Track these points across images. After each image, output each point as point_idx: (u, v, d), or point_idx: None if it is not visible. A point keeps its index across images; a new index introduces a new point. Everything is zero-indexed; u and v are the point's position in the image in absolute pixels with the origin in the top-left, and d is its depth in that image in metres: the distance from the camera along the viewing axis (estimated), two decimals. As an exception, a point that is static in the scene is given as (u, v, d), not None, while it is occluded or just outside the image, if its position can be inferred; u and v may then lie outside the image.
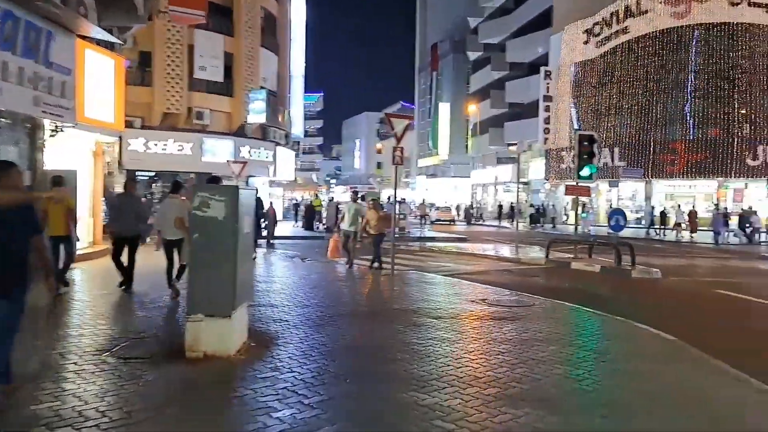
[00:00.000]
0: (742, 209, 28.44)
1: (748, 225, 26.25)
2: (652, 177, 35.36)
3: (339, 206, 26.65)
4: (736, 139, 32.55)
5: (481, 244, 22.00)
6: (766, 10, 32.56)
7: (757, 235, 26.04)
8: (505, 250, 19.05)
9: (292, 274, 12.35)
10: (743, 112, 32.79)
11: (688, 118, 34.14)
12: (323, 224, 28.75)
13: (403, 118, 11.81)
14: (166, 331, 6.92)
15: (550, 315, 8.39)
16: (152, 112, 29.09)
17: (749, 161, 32.23)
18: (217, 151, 30.13)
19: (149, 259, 9.73)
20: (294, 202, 37.15)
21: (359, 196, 14.99)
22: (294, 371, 5.38)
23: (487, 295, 9.83)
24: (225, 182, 25.05)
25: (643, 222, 35.33)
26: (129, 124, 29.15)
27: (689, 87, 34.27)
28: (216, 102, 31.43)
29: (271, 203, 25.07)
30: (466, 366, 5.61)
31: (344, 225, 13.61)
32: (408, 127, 11.56)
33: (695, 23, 34.14)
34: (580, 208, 20.39)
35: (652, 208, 31.10)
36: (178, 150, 29.32)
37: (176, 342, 5.97)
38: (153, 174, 30.23)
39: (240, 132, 32.04)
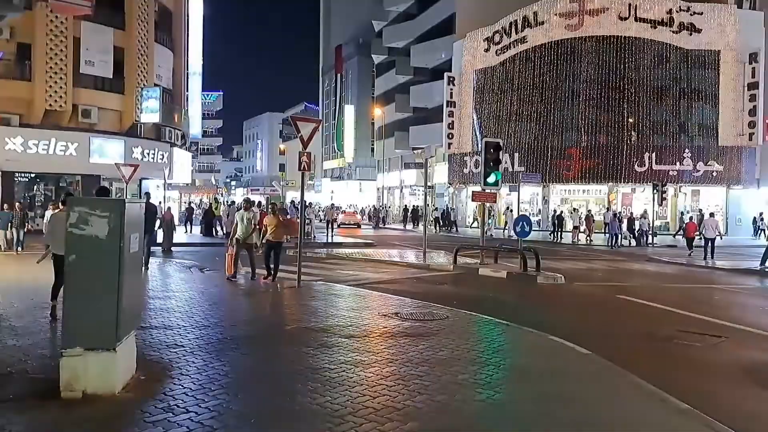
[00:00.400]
0: (631, 213, 30.01)
1: (638, 229, 27.74)
2: (549, 182, 36.74)
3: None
4: (625, 147, 34.42)
5: (389, 250, 21.78)
6: (650, 25, 34.64)
7: (644, 237, 27.46)
8: (413, 256, 18.89)
9: (189, 288, 11.45)
10: (631, 120, 34.72)
11: (582, 126, 35.76)
12: (223, 230, 27.51)
13: (310, 122, 11.23)
14: (40, 364, 5.99)
15: (465, 329, 8.15)
16: (32, 109, 26.77)
17: (637, 167, 34.17)
18: (106, 152, 28.16)
19: (28, 273, 8.61)
20: (186, 206, 35.23)
21: (254, 203, 14.07)
22: (190, 411, 4.71)
23: (399, 307, 9.46)
24: (115, 186, 23.07)
25: (541, 226, 36.66)
26: (5, 122, 26.74)
27: (582, 96, 35.90)
28: (105, 99, 29.37)
29: (169, 208, 23.70)
30: (384, 395, 5.16)
31: (238, 235, 12.66)
32: (315, 131, 11.01)
33: (587, 35, 35.81)
34: (486, 214, 20.71)
35: (554, 212, 32.17)
36: (62, 150, 27.15)
37: (51, 379, 5.13)
38: (33, 176, 27.86)
39: (132, 132, 30.15)
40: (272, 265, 12.51)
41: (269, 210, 13.26)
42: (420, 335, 7.44)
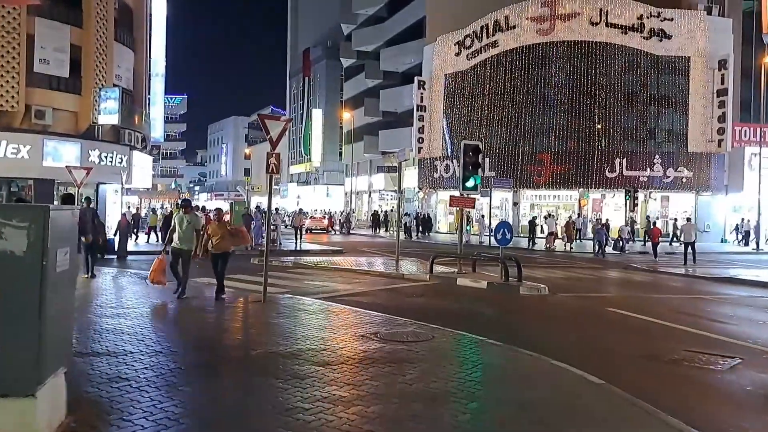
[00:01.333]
0: (607, 220, 29.56)
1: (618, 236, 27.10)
2: (520, 187, 36.31)
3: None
4: (595, 152, 34.17)
5: (359, 258, 20.85)
6: (621, 31, 34.52)
7: (620, 243, 26.92)
8: (386, 265, 18.00)
9: (142, 304, 10.35)
10: (601, 126, 34.52)
11: (553, 131, 35.44)
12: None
13: (280, 121, 10.24)
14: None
15: (455, 352, 7.30)
16: (-21, 109, 25.09)
17: (607, 173, 33.94)
18: (61, 155, 26.59)
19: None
20: (132, 211, 33.47)
21: (190, 203, 12.11)
22: (129, 473, 3.75)
23: (377, 325, 8.56)
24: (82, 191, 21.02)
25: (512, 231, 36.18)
26: (-53, 122, 25.06)
27: (553, 101, 35.61)
28: (60, 100, 27.78)
29: (123, 214, 22.45)
30: (372, 445, 4.27)
31: (175, 242, 10.96)
32: (285, 131, 10.05)
33: (558, 40, 35.55)
34: (464, 220, 20.04)
35: (534, 218, 31.65)
36: (13, 153, 25.51)
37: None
38: (-20, 180, 26.16)
39: (89, 134, 28.60)
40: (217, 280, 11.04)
41: (214, 216, 11.77)
42: (405, 361, 6.54)
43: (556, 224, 29.08)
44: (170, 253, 11.10)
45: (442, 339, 7.80)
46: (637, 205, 28.91)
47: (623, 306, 11.49)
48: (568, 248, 27.60)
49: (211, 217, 23.89)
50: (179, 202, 11.69)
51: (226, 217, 14.11)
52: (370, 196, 55.69)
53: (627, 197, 28.24)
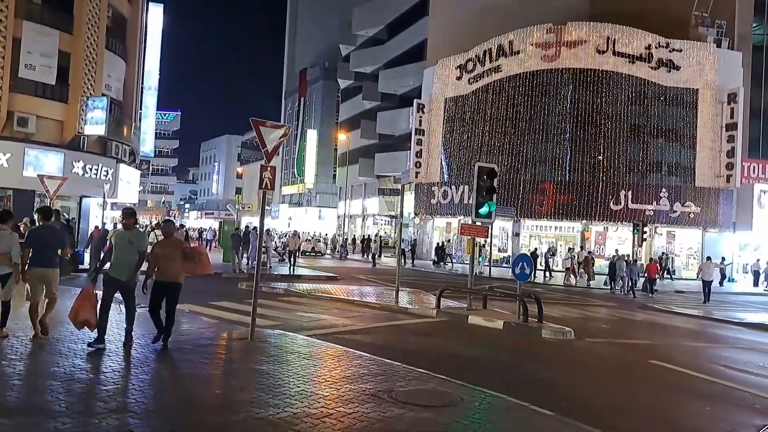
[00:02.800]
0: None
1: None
2: (520, 216, 35.07)
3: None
4: (600, 184, 33.07)
5: (355, 286, 19.39)
6: (629, 60, 33.71)
7: (628, 282, 24.30)
8: (385, 295, 16.54)
9: (110, 332, 8.86)
10: (606, 157, 33.48)
11: (556, 160, 34.37)
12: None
13: (277, 128, 8.85)
14: None
15: (496, 426, 5.85)
16: (-43, 114, 23.71)
17: (612, 205, 32.82)
18: (43, 165, 25.21)
19: None
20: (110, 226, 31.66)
21: (134, 214, 8.62)
22: None
23: (389, 378, 7.11)
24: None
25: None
26: None
27: (557, 129, 34.61)
28: (45, 107, 26.47)
29: (96, 227, 21.03)
30: None
31: (110, 267, 8.26)
32: (283, 139, 8.68)
33: (564, 67, 34.68)
34: (476, 251, 18.64)
35: (535, 249, 30.42)
36: (-9, 161, 24.13)
37: None
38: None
39: (74, 144, 27.23)
40: (164, 319, 8.44)
41: (162, 230, 8.78)
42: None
43: (575, 259, 27.44)
44: (104, 282, 8.35)
45: (474, 403, 6.34)
46: (645, 239, 27.66)
47: (667, 358, 10.07)
48: (587, 285, 25.89)
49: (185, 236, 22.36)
50: (122, 214, 8.38)
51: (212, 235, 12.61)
52: (364, 220, 54.35)
53: (635, 231, 26.98)
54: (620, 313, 17.16)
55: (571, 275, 26.21)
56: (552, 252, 32.62)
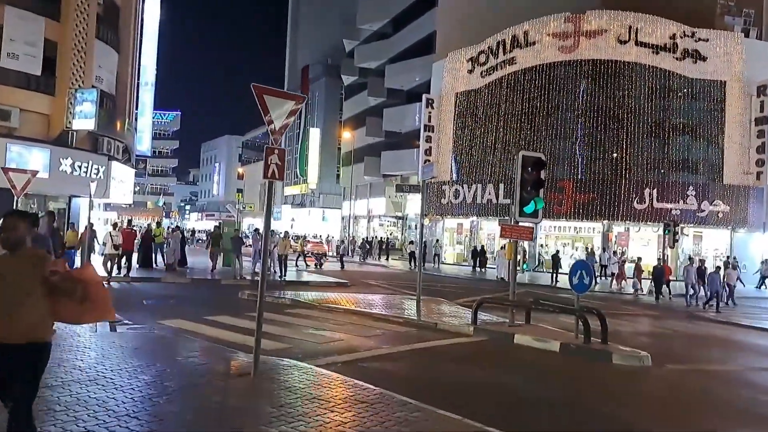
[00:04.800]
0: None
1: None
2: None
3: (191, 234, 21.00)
4: (623, 181, 31.10)
5: (369, 295, 17.42)
6: (652, 50, 31.76)
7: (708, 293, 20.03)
8: (405, 306, 14.57)
9: (82, 367, 6.92)
10: (621, 154, 31.48)
11: (576, 157, 32.41)
12: (164, 260, 22.82)
13: (287, 97, 6.82)
14: None
15: None
16: (-69, 105, 21.78)
17: (635, 204, 30.84)
18: (27, 162, 23.20)
19: None
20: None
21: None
22: None
23: None
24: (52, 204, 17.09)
25: (529, 266, 32.94)
26: None
27: (576, 124, 32.67)
28: (30, 100, 24.48)
29: (86, 226, 19.20)
30: None
31: None
32: (294, 114, 6.71)
33: (583, 59, 32.74)
34: (519, 255, 16.81)
35: (557, 252, 28.40)
36: (-32, 157, 22.17)
37: None
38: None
39: (62, 140, 25.26)
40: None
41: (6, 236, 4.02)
42: None
43: (617, 263, 25.25)
44: None
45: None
46: (677, 240, 25.66)
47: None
48: (636, 294, 23.40)
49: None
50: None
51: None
52: (369, 221, 52.39)
53: (666, 231, 25.01)
54: (683, 327, 15.09)
55: (622, 281, 24.22)
56: (590, 254, 29.80)
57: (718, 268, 21.31)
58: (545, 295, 13.86)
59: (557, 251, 28.35)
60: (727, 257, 29.16)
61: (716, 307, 18.45)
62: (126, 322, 10.43)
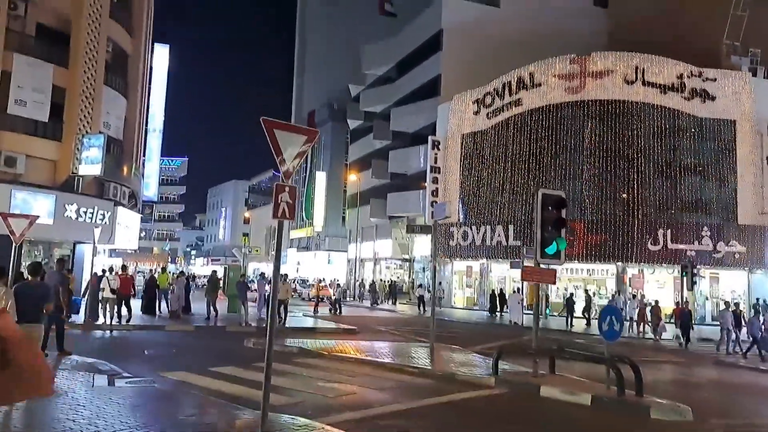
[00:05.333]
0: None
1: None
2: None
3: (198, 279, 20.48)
4: (636, 222, 30.58)
5: (378, 342, 16.77)
6: (659, 90, 31.68)
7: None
8: (418, 355, 13.93)
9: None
10: (632, 195, 31.04)
11: (586, 197, 31.97)
12: (168, 307, 22.26)
13: (299, 132, 6.43)
14: None
15: None
16: (-63, 153, 21.69)
17: (650, 246, 30.23)
18: (32, 208, 22.90)
19: None
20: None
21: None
22: None
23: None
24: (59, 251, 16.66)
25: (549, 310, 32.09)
26: None
27: (585, 165, 32.36)
28: (37, 146, 24.45)
29: (95, 273, 18.78)
30: None
31: None
32: (307, 148, 6.29)
33: (589, 99, 32.68)
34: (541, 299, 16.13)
35: (571, 295, 27.73)
36: (-28, 204, 21.91)
37: None
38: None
39: (67, 186, 25.08)
40: None
41: None
42: None
43: (645, 306, 24.29)
44: None
45: None
46: (695, 282, 24.95)
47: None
48: (657, 337, 22.57)
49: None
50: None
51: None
52: (375, 263, 51.76)
53: (683, 274, 24.36)
54: (718, 375, 14.32)
55: (644, 326, 23.43)
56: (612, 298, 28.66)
57: (757, 312, 20.64)
58: (567, 342, 13.15)
59: (571, 294, 27.66)
60: (757, 299, 28.41)
61: (759, 354, 17.60)
62: (125, 374, 9.87)
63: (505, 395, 9.89)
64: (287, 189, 6.13)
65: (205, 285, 27.96)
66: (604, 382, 9.70)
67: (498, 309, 31.64)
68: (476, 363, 12.58)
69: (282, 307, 19.84)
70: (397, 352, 14.22)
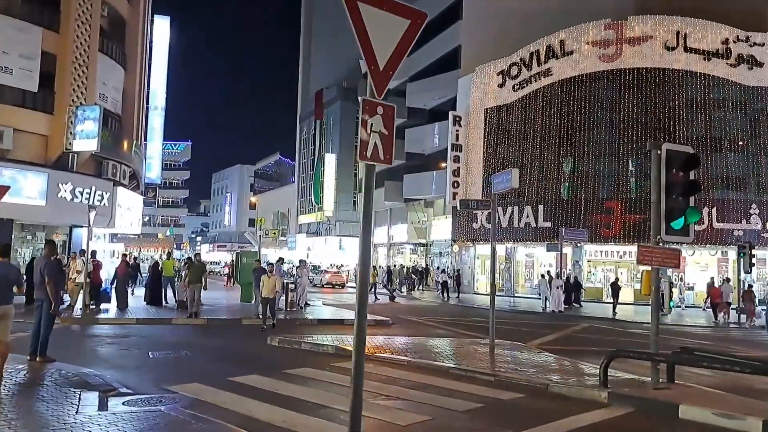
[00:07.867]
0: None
1: None
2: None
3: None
4: (678, 199, 28.07)
5: (418, 338, 14.43)
6: (703, 57, 29.08)
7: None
8: (480, 355, 11.54)
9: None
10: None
11: (623, 174, 29.50)
12: (176, 297, 20.00)
13: (398, 12, 3.98)
14: None
15: None
16: None
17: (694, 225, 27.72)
18: (21, 188, 20.69)
19: None
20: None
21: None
22: None
23: None
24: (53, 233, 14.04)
25: (574, 295, 29.75)
26: None
27: (622, 139, 29.89)
28: (25, 119, 22.03)
29: (125, 261, 16.64)
30: None
31: None
32: (411, 35, 3.91)
33: (626, 67, 30.10)
34: (665, 286, 13.46)
35: (617, 279, 25.31)
36: (-47, 183, 19.59)
37: None
38: None
39: (61, 163, 22.71)
40: None
41: None
42: None
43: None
44: None
45: None
46: (753, 264, 22.57)
47: None
48: (750, 323, 20.83)
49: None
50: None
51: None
52: (389, 249, 49.44)
53: (740, 255, 22.00)
54: None
55: (721, 313, 21.28)
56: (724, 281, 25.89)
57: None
58: (692, 345, 10.62)
59: (617, 279, 25.26)
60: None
61: None
62: (122, 389, 7.56)
63: (629, 418, 7.23)
64: (380, 110, 3.75)
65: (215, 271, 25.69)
66: (745, 394, 7.34)
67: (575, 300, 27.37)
68: (560, 367, 10.18)
69: (268, 307, 15.28)
70: (453, 352, 11.82)
